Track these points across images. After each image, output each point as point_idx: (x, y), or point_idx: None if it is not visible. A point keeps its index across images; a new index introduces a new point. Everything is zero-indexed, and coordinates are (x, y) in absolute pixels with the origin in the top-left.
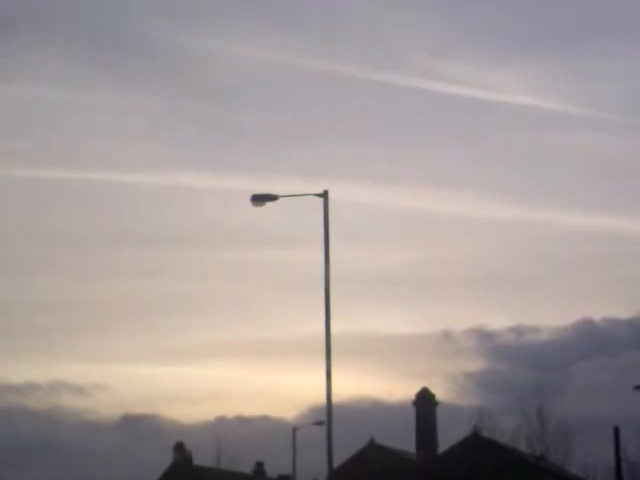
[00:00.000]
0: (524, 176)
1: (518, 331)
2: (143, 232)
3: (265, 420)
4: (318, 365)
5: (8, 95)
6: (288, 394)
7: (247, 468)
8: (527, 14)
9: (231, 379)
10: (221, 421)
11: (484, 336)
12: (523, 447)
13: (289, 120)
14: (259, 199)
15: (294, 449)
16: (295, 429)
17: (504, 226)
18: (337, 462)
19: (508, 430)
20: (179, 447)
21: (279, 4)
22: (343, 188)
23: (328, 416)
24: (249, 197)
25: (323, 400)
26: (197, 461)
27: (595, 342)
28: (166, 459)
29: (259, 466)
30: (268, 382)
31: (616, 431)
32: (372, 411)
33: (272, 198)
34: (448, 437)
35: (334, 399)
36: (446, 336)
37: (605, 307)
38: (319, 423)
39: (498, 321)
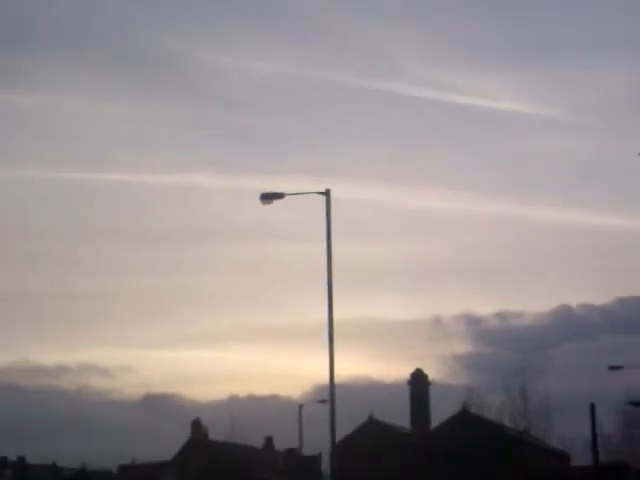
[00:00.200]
0: (508, 175)
1: (503, 317)
2: (163, 230)
3: (274, 399)
4: (323, 348)
5: (39, 106)
6: (295, 374)
7: (258, 443)
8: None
9: (245, 362)
10: (234, 400)
11: (472, 321)
12: (508, 422)
13: (295, 125)
14: (267, 197)
15: (300, 425)
16: (301, 407)
17: (490, 221)
18: (339, 437)
19: (494, 407)
20: (196, 424)
21: (285, 21)
22: (345, 187)
23: (331, 395)
24: (258, 196)
25: (327, 380)
26: (212, 436)
27: (573, 327)
28: (184, 435)
29: (269, 441)
30: (277, 364)
31: (592, 408)
32: (371, 390)
33: (279, 196)
34: (440, 413)
35: (336, 379)
36: (437, 322)
37: (582, 294)
38: (323, 401)
39: (484, 308)
